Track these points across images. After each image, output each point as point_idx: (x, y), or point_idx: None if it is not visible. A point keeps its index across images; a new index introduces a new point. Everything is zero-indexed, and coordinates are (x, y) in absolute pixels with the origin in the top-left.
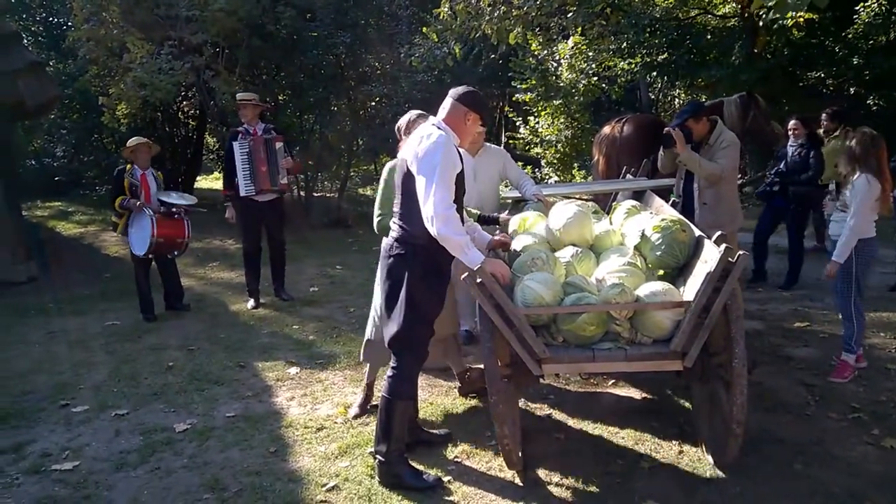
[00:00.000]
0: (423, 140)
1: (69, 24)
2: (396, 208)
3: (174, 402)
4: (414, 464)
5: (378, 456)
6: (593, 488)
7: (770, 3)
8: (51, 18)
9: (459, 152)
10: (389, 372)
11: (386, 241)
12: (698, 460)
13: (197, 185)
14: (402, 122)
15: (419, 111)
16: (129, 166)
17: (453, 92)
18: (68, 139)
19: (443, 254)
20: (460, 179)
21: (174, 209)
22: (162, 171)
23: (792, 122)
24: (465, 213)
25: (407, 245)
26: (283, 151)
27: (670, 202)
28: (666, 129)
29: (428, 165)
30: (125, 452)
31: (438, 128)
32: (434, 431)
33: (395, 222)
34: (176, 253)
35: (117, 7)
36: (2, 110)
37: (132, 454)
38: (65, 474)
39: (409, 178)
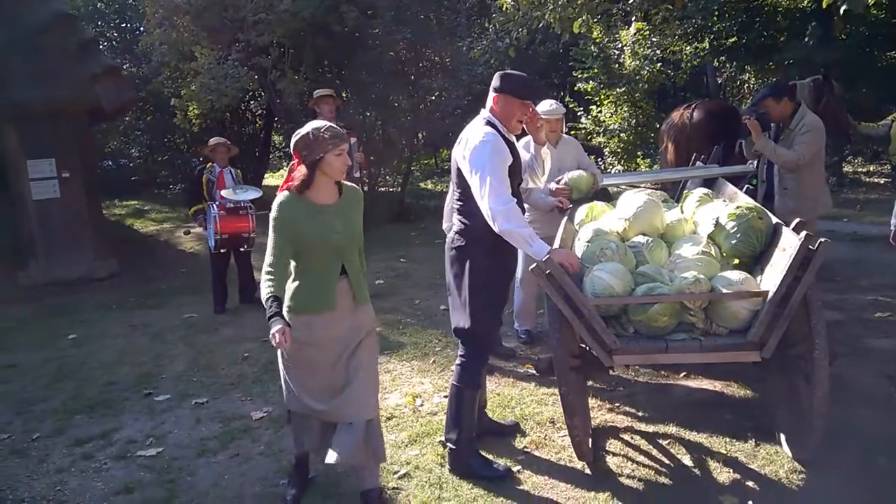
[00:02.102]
0: (469, 141)
1: (141, 29)
2: (456, 204)
3: (250, 392)
4: (483, 453)
5: (448, 444)
6: (665, 481)
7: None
8: (124, 24)
9: (509, 139)
10: (457, 361)
11: (449, 236)
12: (775, 454)
13: (264, 182)
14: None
15: (320, 125)
16: (209, 165)
17: (493, 81)
18: (143, 140)
19: (503, 244)
20: (514, 170)
21: (241, 203)
22: (233, 168)
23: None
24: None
25: (467, 237)
26: (356, 147)
27: (744, 189)
28: (744, 117)
29: (478, 165)
30: (205, 439)
31: (488, 122)
32: (503, 422)
33: (455, 217)
34: (245, 246)
35: (187, 12)
36: (81, 113)
37: (212, 441)
38: (150, 460)
39: (462, 176)
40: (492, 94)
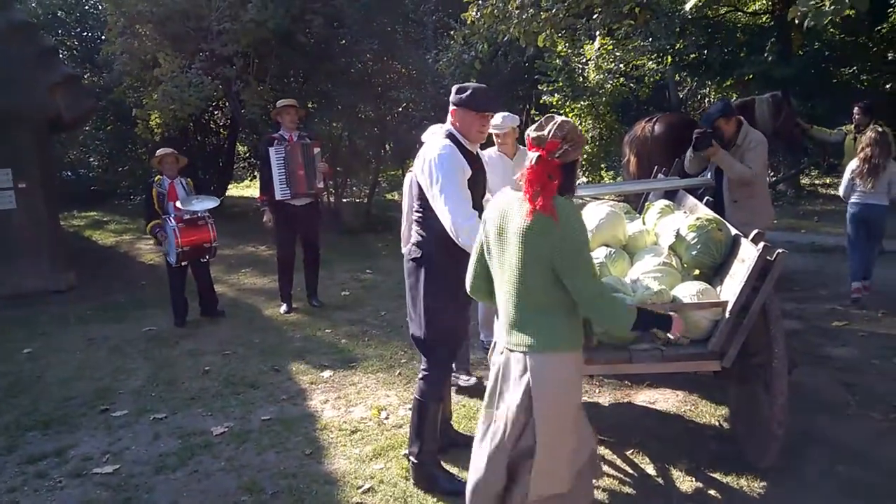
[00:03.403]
0: (426, 155)
1: (103, 37)
2: (415, 216)
3: (211, 406)
4: (448, 466)
5: (412, 458)
6: (629, 490)
7: (806, 10)
8: (85, 33)
9: (471, 151)
10: (420, 374)
11: (407, 247)
12: (737, 462)
13: (228, 192)
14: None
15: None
16: (158, 177)
17: (451, 94)
18: (103, 150)
19: (463, 255)
20: (477, 182)
21: (198, 214)
22: (194, 179)
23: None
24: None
25: (425, 248)
26: (320, 156)
27: (704, 201)
28: (697, 130)
29: (436, 180)
30: (164, 455)
31: (448, 134)
32: (468, 434)
33: (414, 228)
34: (207, 257)
35: (150, 21)
36: (40, 123)
37: (171, 457)
38: (106, 477)
39: (422, 189)
40: (456, 109)
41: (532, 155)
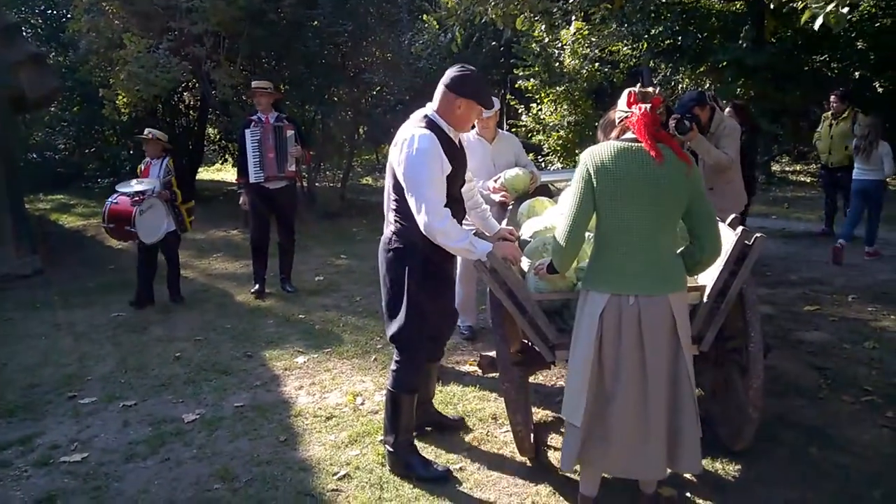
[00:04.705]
0: (403, 147)
1: (68, 15)
2: (392, 204)
3: (182, 393)
4: (426, 449)
5: (387, 446)
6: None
7: (818, 9)
8: (50, 10)
9: (454, 141)
10: (393, 366)
11: (384, 235)
12: (712, 445)
13: (198, 176)
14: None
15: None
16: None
17: (444, 77)
18: (69, 131)
19: (441, 250)
20: (457, 173)
21: (136, 197)
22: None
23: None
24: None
25: (405, 240)
26: (293, 140)
27: None
28: (674, 116)
29: (411, 178)
30: (134, 443)
31: (429, 123)
32: (447, 415)
33: (392, 216)
34: (137, 241)
35: None
36: (3, 102)
37: (141, 445)
38: (74, 466)
39: (398, 181)
40: (446, 94)
41: (643, 105)
